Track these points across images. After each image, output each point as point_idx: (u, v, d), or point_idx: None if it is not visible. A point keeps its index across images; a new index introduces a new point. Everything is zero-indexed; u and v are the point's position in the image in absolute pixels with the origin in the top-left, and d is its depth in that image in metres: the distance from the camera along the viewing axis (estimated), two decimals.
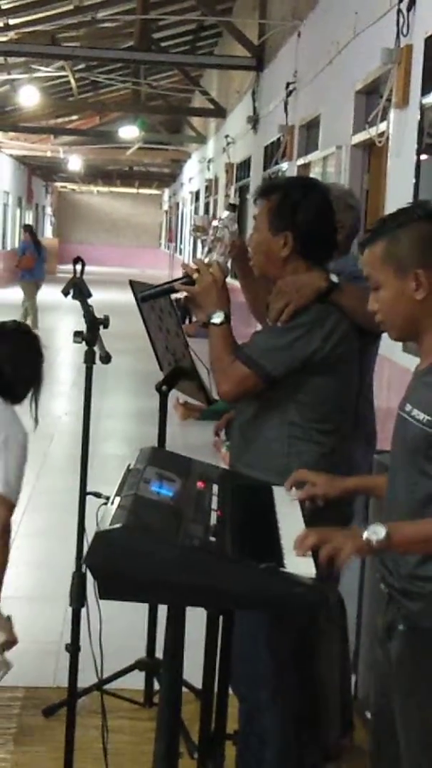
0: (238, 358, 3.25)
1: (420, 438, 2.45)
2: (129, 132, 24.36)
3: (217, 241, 3.58)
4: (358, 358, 3.46)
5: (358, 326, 3.37)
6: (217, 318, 3.29)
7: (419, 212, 2.59)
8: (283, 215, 3.35)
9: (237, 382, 3.25)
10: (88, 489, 3.45)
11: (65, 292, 3.59)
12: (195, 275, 3.31)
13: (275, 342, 3.25)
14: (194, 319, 3.48)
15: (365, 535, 2.39)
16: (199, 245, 26.42)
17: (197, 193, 29.16)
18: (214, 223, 3.71)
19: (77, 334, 3.51)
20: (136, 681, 4.43)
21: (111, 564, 2.38)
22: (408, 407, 2.53)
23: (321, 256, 3.41)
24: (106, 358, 3.53)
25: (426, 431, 2.44)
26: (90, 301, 3.57)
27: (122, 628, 4.49)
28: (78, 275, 3.56)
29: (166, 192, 47.36)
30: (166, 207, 48.58)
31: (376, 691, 2.72)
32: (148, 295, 3.66)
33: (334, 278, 3.32)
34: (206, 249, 3.64)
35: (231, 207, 3.66)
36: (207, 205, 25.29)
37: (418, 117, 6.83)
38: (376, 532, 2.39)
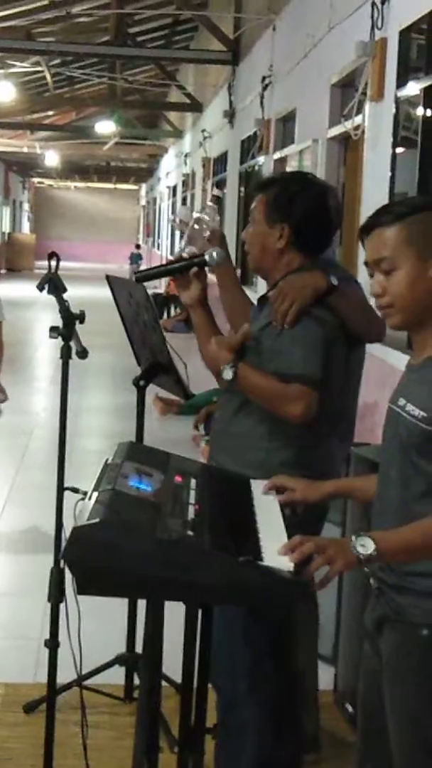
0: (291, 379, 3.19)
1: (415, 433, 2.43)
2: (105, 127, 24.33)
3: (198, 232, 3.58)
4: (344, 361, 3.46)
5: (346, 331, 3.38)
6: (227, 374, 3.22)
7: (430, 203, 2.55)
8: (279, 207, 3.36)
9: (305, 401, 3.18)
10: (68, 485, 3.45)
11: (40, 288, 3.57)
12: None
13: (306, 348, 3.22)
14: (173, 313, 3.49)
15: (353, 548, 2.37)
16: (177, 240, 26.38)
17: (174, 188, 29.16)
18: (195, 214, 3.72)
19: (53, 329, 3.50)
20: (116, 676, 4.43)
21: (88, 559, 2.37)
22: (401, 402, 2.50)
23: (316, 249, 3.42)
24: (83, 353, 3.53)
25: (421, 426, 2.41)
26: (68, 296, 3.57)
27: (103, 623, 4.49)
28: (53, 270, 3.56)
29: (144, 187, 47.33)
30: (143, 202, 48.57)
31: (364, 686, 2.71)
32: (144, 276, 3.68)
33: (333, 280, 3.31)
34: (184, 240, 3.64)
35: (215, 199, 3.68)
36: (184, 199, 25.28)
37: (394, 110, 6.85)
38: (364, 546, 2.37)
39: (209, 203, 3.68)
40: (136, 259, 37.50)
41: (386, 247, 2.50)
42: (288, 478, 2.93)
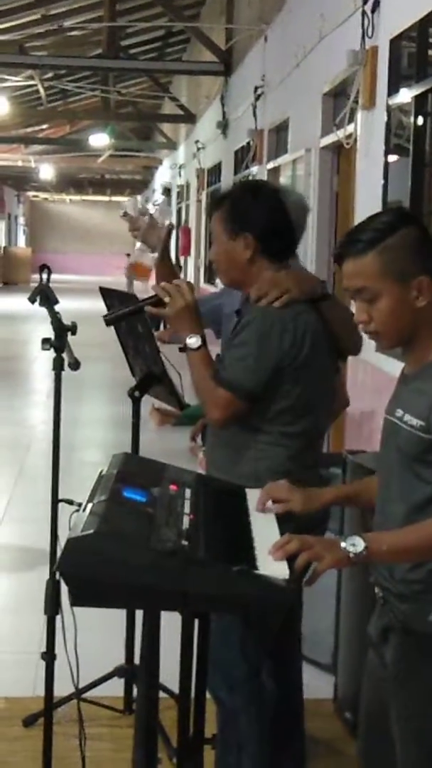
0: (220, 384, 3.20)
1: (415, 443, 2.43)
2: (99, 140, 24.36)
3: (151, 228, 3.57)
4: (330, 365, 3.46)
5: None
6: (195, 343, 3.25)
7: (401, 219, 2.50)
8: (237, 219, 3.33)
9: (225, 408, 3.21)
10: (66, 497, 3.43)
11: (32, 300, 3.58)
12: (167, 298, 3.27)
13: (247, 357, 3.21)
14: (168, 325, 3.44)
15: (343, 546, 2.37)
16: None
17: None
18: (149, 208, 3.70)
19: (45, 341, 3.50)
20: (116, 689, 4.42)
21: (83, 570, 2.37)
22: (399, 412, 2.50)
23: (283, 253, 3.39)
24: (75, 365, 3.53)
25: (421, 436, 2.41)
26: (64, 309, 3.57)
27: (102, 635, 4.49)
28: (44, 282, 3.56)
29: (139, 199, 47.36)
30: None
31: (368, 694, 2.71)
32: (114, 318, 3.54)
33: (327, 288, 3.32)
34: (139, 238, 3.64)
35: (165, 191, 3.67)
36: (179, 210, 25.30)
37: (385, 118, 6.86)
38: (354, 544, 2.37)
39: (160, 196, 3.66)
40: None
41: (363, 278, 2.48)
42: (282, 487, 2.84)
